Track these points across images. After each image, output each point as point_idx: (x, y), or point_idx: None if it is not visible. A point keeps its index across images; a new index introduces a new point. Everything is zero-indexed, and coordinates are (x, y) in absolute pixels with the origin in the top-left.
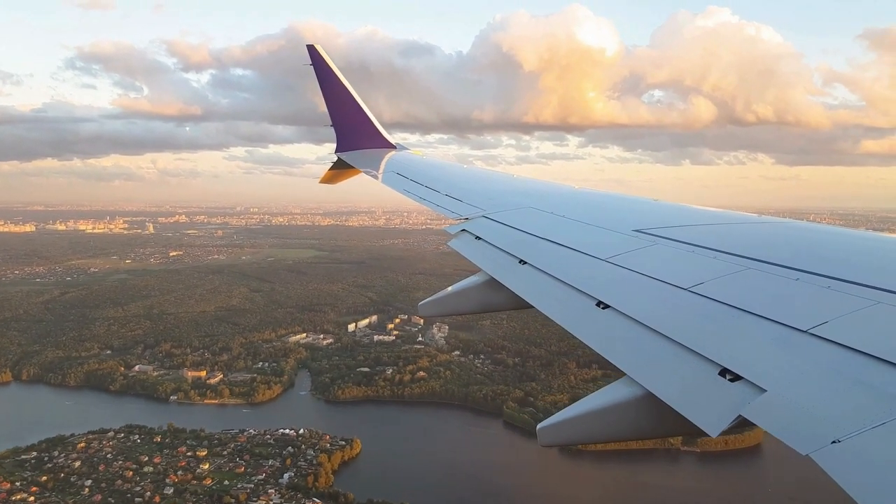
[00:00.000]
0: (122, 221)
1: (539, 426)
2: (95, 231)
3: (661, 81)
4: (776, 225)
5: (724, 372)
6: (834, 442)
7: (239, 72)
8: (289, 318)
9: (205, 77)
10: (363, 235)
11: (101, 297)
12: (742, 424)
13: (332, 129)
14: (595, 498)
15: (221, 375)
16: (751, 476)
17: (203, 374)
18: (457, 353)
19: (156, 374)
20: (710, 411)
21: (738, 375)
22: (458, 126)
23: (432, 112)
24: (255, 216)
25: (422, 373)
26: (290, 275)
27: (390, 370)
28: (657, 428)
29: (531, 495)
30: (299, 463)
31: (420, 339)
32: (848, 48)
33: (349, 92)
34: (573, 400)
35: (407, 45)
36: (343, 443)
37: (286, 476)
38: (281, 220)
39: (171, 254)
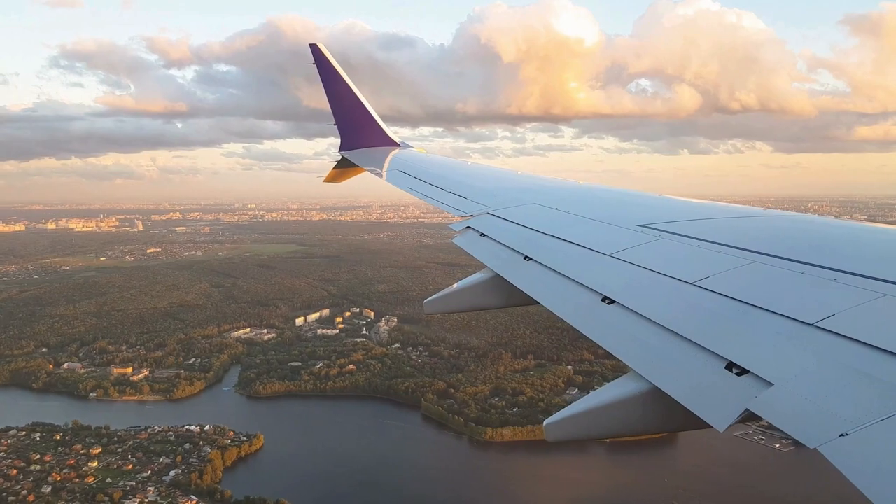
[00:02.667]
0: (113, 219)
1: (546, 422)
2: (84, 229)
3: (644, 71)
4: (781, 218)
5: (730, 366)
6: (842, 435)
7: (223, 67)
8: (238, 313)
9: (189, 73)
10: (351, 230)
11: (58, 294)
12: (749, 418)
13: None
14: (488, 497)
15: (147, 372)
16: (655, 467)
17: (129, 370)
18: (396, 345)
19: (83, 371)
20: (716, 406)
21: (744, 369)
22: (444, 119)
23: (416, 105)
24: (250, 212)
25: (351, 366)
26: (258, 270)
27: (320, 364)
28: (663, 423)
29: (428, 488)
30: (191, 460)
31: (364, 332)
32: (830, 34)
33: (352, 91)
34: (495, 391)
35: (388, 38)
36: (245, 439)
37: (172, 473)
38: (274, 215)
39: (148, 251)
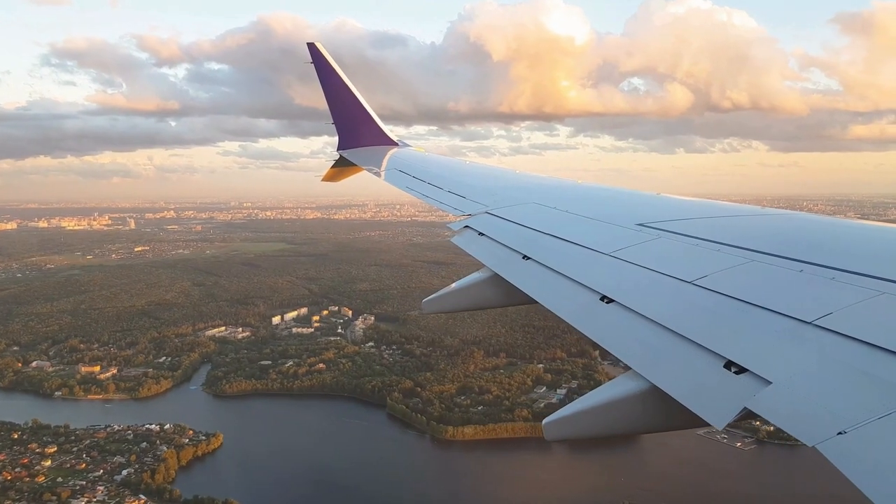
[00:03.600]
0: (106, 218)
1: (545, 421)
2: (76, 228)
3: (635, 69)
4: (779, 217)
5: (729, 364)
6: (840, 433)
7: (214, 66)
8: (216, 311)
9: (180, 72)
10: (343, 228)
11: (37, 293)
12: (748, 416)
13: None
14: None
15: (115, 370)
16: (616, 466)
17: (97, 369)
18: (370, 344)
19: (52, 369)
20: (715, 404)
21: (743, 368)
22: (437, 117)
23: (409, 103)
24: (245, 211)
25: (321, 365)
26: (242, 268)
27: (290, 363)
28: (662, 422)
29: (381, 488)
30: (145, 459)
31: (340, 330)
32: (822, 33)
33: (350, 90)
34: (461, 389)
35: (379, 36)
36: (203, 438)
37: (124, 472)
38: (269, 214)
39: (136, 249)
